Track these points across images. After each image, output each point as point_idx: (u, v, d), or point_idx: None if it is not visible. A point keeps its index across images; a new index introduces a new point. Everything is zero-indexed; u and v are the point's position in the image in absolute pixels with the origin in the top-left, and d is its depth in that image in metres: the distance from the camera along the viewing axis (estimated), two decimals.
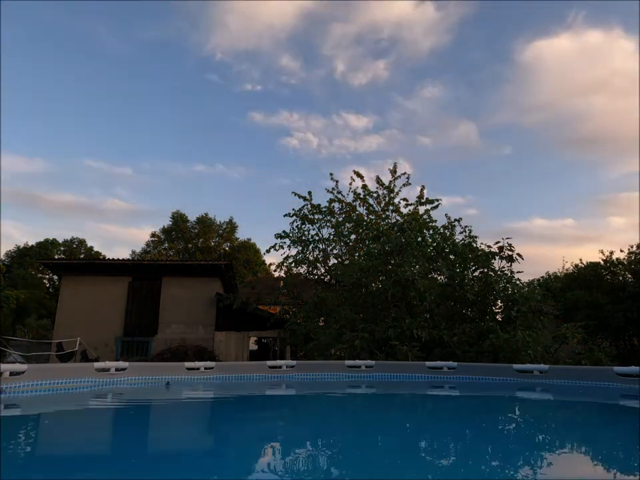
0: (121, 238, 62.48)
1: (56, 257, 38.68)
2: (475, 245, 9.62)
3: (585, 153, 46.24)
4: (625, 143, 41.40)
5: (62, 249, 45.89)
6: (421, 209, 13.46)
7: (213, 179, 55.50)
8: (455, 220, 11.49)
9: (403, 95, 44.11)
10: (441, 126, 45.80)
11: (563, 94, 39.17)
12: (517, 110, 40.19)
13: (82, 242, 47.06)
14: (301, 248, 13.99)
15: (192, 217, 43.70)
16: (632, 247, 17.86)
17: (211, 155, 56.46)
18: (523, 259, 9.33)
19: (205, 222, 43.15)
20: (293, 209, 14.07)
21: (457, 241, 10.27)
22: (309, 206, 14.09)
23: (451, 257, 9.66)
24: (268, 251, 14.40)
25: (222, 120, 50.10)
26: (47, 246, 44.85)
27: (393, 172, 14.05)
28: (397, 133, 49.29)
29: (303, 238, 14.04)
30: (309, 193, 14.19)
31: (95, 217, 59.89)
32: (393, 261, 9.47)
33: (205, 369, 5.40)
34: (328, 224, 14.04)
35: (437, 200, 13.50)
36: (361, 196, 14.02)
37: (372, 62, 41.57)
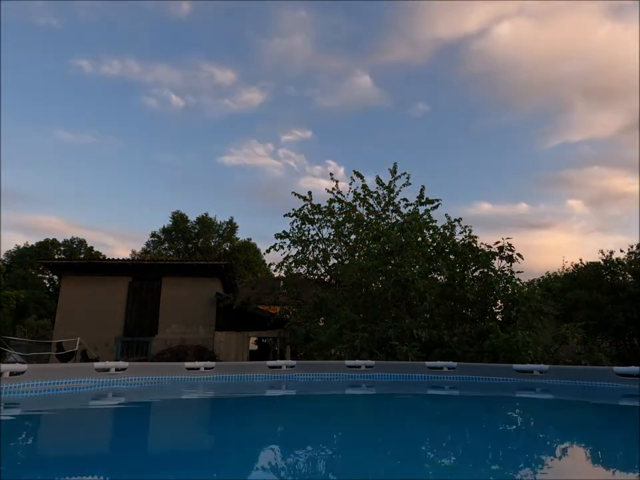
0: None
1: (56, 256, 38.69)
2: (475, 245, 9.62)
3: (523, 112, 40.13)
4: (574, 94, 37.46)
5: (62, 248, 45.93)
6: (421, 209, 13.47)
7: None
8: (455, 220, 11.51)
9: (260, 31, 35.54)
10: (326, 76, 40.14)
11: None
12: (416, 47, 34.07)
13: (82, 242, 47.10)
14: (301, 248, 14.01)
15: (192, 217, 43.79)
16: (632, 247, 17.88)
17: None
18: (522, 258, 9.34)
19: (205, 222, 43.17)
20: (293, 209, 14.11)
21: (457, 240, 10.27)
22: (309, 206, 14.11)
23: (451, 257, 9.66)
24: (268, 251, 14.44)
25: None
26: (47, 246, 44.88)
27: (393, 172, 14.06)
28: (274, 87, 43.18)
29: (303, 238, 14.05)
30: (309, 193, 14.23)
31: None
32: (393, 261, 9.46)
33: (205, 368, 5.40)
34: (328, 224, 14.06)
35: (437, 200, 13.53)
36: (361, 196, 14.02)
37: None
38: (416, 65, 37.10)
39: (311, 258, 13.88)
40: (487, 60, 33.95)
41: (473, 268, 9.50)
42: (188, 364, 5.42)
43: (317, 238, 14.10)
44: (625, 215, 49.22)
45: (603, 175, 47.69)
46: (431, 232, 11.40)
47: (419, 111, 42.88)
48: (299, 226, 14.09)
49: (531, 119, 41.22)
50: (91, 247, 46.88)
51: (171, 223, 43.32)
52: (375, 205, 13.99)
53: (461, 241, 10.13)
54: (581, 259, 18.78)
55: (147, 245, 43.76)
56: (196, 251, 41.40)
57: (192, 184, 58.79)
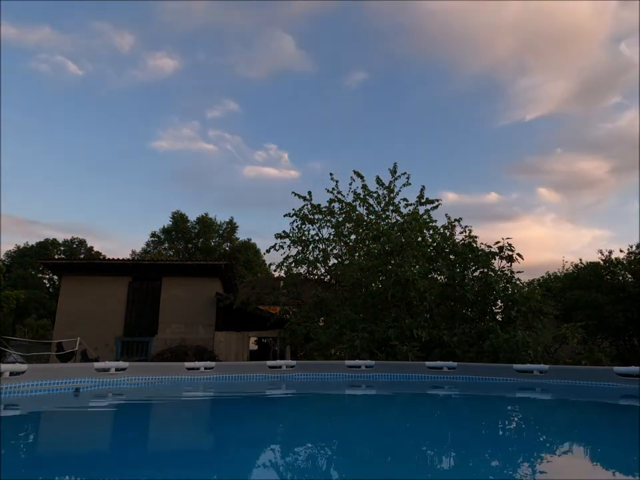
0: None
1: (56, 256, 38.68)
2: (475, 245, 9.62)
3: (467, 81, 37.76)
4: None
5: (62, 248, 45.92)
6: (421, 209, 13.47)
7: None
8: (455, 220, 11.50)
9: None
10: (239, 36, 35.65)
11: None
12: None
13: (82, 242, 47.08)
14: (301, 248, 14.00)
15: (192, 217, 43.77)
16: (631, 247, 17.88)
17: None
18: (522, 258, 9.35)
19: (205, 222, 43.16)
20: (293, 209, 14.11)
21: (457, 240, 10.27)
22: (309, 206, 14.11)
23: (451, 257, 9.66)
24: (268, 251, 14.44)
25: None
26: (47, 246, 44.88)
27: (393, 172, 14.06)
28: (182, 51, 38.48)
29: (303, 238, 14.05)
30: (309, 192, 14.23)
31: None
32: (393, 261, 9.46)
33: (205, 368, 5.40)
34: (328, 224, 14.06)
35: (437, 200, 13.54)
36: (361, 196, 14.02)
37: None
38: (331, 14, 33.22)
39: (311, 258, 13.88)
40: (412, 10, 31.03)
41: (473, 268, 9.50)
42: (188, 364, 5.42)
43: (317, 238, 14.11)
44: (599, 203, 47.43)
45: (568, 158, 45.15)
46: (431, 232, 11.40)
47: (355, 81, 40.07)
48: (299, 226, 14.10)
49: (477, 90, 39.20)
50: (91, 247, 46.90)
51: (171, 222, 43.31)
52: (374, 205, 13.99)
53: (461, 241, 10.13)
54: (580, 259, 18.82)
55: (147, 244, 43.76)
56: (196, 251, 41.39)
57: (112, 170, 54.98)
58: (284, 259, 13.93)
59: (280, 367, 5.76)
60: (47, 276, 43.41)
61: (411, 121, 43.21)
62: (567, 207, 51.62)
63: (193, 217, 43.76)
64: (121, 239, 65.24)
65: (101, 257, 38.47)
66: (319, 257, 13.94)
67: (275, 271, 14.62)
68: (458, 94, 39.24)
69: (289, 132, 49.86)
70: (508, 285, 9.07)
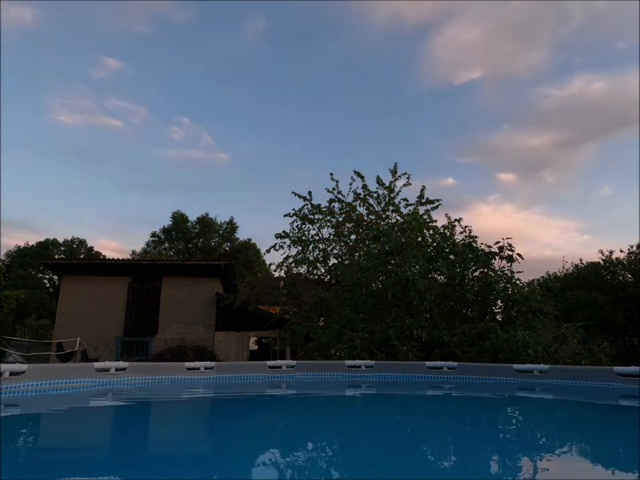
0: None
1: (56, 256, 38.70)
2: (475, 245, 9.62)
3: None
4: None
5: (62, 248, 45.94)
6: (421, 209, 13.48)
7: None
8: (455, 220, 11.51)
9: None
10: None
11: None
12: None
13: (82, 242, 47.10)
14: (301, 248, 14.01)
15: (192, 217, 43.78)
16: (632, 247, 17.88)
17: None
18: (523, 258, 9.34)
19: (205, 222, 43.18)
20: (293, 209, 14.13)
21: (457, 241, 10.27)
22: (309, 206, 14.12)
23: (451, 257, 9.66)
24: (268, 251, 14.45)
25: None
26: (47, 246, 44.90)
27: (393, 172, 14.07)
28: None
29: (303, 238, 14.06)
30: (309, 192, 14.24)
31: None
32: (393, 261, 9.46)
33: (205, 368, 5.40)
34: (328, 224, 14.07)
35: (437, 200, 13.54)
36: (361, 196, 14.03)
37: None
38: None
39: (311, 258, 13.89)
40: None
41: (473, 268, 9.50)
42: (188, 364, 5.41)
43: (317, 238, 14.12)
44: (560, 186, 43.33)
45: (516, 134, 39.29)
46: (431, 232, 11.40)
47: (256, 28, 33.75)
48: (299, 226, 14.11)
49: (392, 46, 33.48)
50: (91, 247, 46.91)
51: (171, 222, 43.33)
52: (375, 205, 14.00)
53: (461, 241, 10.13)
54: (580, 259, 18.83)
55: (147, 244, 43.77)
56: (196, 251, 41.41)
57: None
58: (284, 259, 13.96)
59: (280, 366, 5.76)
60: (47, 276, 43.44)
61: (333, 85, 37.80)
62: (528, 193, 47.19)
63: (193, 216, 43.82)
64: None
65: (101, 256, 38.48)
66: (319, 256, 13.95)
67: (275, 271, 14.65)
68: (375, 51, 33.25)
69: (192, 95, 43.50)
70: (508, 285, 9.07)
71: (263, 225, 59.45)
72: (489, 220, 44.80)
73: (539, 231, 46.77)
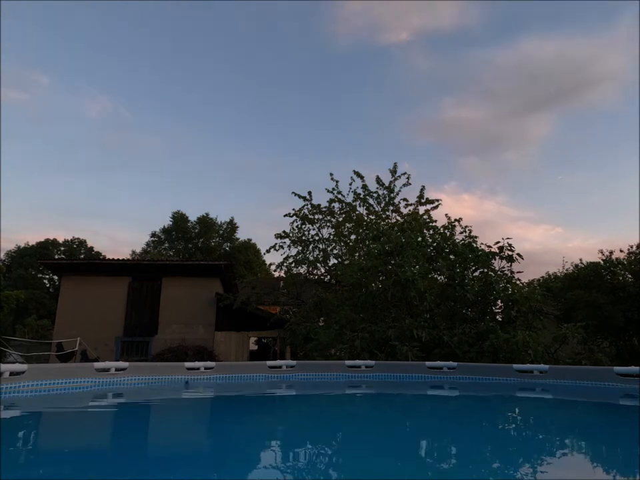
0: None
1: (56, 257, 38.69)
2: (475, 245, 9.62)
3: None
4: None
5: (62, 249, 45.91)
6: (421, 209, 13.47)
7: None
8: (455, 220, 11.50)
9: None
10: None
11: None
12: None
13: (82, 242, 47.08)
14: (301, 248, 14.00)
15: (192, 217, 43.78)
16: (632, 247, 17.89)
17: None
18: (522, 258, 9.34)
19: (205, 222, 43.18)
20: (293, 209, 14.12)
21: (457, 241, 10.27)
22: (309, 206, 14.12)
23: (451, 257, 9.66)
24: (268, 251, 14.44)
25: None
26: (47, 246, 44.88)
27: (393, 172, 14.06)
28: None
29: (303, 238, 14.05)
30: (309, 193, 14.23)
31: None
32: (393, 261, 9.46)
33: (205, 368, 5.40)
34: (328, 224, 14.06)
35: (437, 200, 13.54)
36: (361, 196, 14.02)
37: None
38: None
39: (311, 258, 13.88)
40: None
41: (473, 268, 9.50)
42: (188, 364, 5.42)
43: (317, 238, 14.10)
44: (520, 161, 37.70)
45: (460, 108, 32.96)
46: (431, 232, 11.40)
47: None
48: (299, 226, 14.10)
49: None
50: (91, 247, 46.89)
51: (171, 222, 43.32)
52: (375, 205, 13.99)
53: (461, 241, 10.13)
54: (580, 259, 18.84)
55: (147, 244, 43.77)
56: (196, 251, 41.40)
57: None
58: (284, 259, 13.95)
59: (280, 367, 5.76)
60: (47, 276, 43.40)
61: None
62: (489, 179, 42.12)
63: (193, 216, 43.80)
64: None
65: (101, 257, 38.48)
66: (319, 256, 13.94)
67: (274, 271, 14.64)
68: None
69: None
70: (508, 285, 9.07)
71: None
72: (450, 209, 40.35)
73: (506, 222, 43.10)
